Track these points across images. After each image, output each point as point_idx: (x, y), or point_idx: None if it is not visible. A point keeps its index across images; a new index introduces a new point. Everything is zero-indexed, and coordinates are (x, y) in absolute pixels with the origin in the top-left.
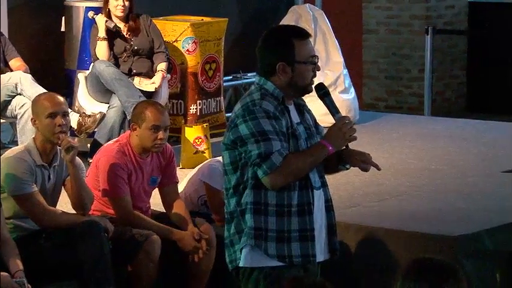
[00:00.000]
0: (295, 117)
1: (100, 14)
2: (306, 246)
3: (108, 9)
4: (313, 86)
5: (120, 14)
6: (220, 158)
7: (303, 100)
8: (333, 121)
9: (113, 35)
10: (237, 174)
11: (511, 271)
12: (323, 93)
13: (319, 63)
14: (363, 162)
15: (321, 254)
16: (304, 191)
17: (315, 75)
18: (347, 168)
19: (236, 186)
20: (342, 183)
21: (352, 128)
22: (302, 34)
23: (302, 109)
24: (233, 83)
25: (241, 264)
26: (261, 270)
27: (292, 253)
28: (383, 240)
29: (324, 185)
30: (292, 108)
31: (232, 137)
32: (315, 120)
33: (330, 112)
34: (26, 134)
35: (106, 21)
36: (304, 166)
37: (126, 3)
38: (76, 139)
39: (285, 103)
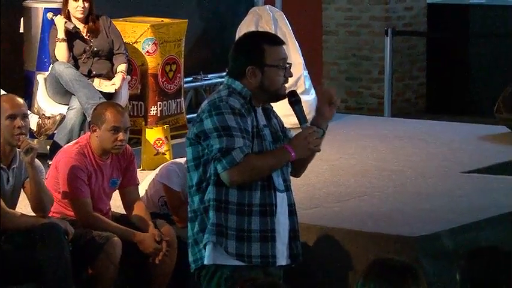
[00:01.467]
0: (261, 120)
1: (59, 15)
2: (266, 247)
3: (68, 10)
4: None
5: (80, 16)
6: (179, 160)
7: (270, 105)
8: (293, 123)
9: (72, 36)
10: (199, 171)
11: (470, 271)
12: (294, 100)
13: None
14: (330, 105)
15: (283, 257)
16: (266, 191)
17: (286, 81)
18: (324, 132)
19: (199, 183)
20: (302, 184)
21: (317, 139)
22: (274, 40)
23: (269, 113)
24: (194, 84)
25: (205, 262)
26: (222, 273)
27: (251, 253)
28: (343, 241)
29: (287, 188)
30: (259, 110)
31: (196, 131)
32: (283, 125)
33: (298, 120)
34: None
35: (65, 22)
36: (264, 167)
37: (86, 5)
38: (35, 141)
39: (252, 103)
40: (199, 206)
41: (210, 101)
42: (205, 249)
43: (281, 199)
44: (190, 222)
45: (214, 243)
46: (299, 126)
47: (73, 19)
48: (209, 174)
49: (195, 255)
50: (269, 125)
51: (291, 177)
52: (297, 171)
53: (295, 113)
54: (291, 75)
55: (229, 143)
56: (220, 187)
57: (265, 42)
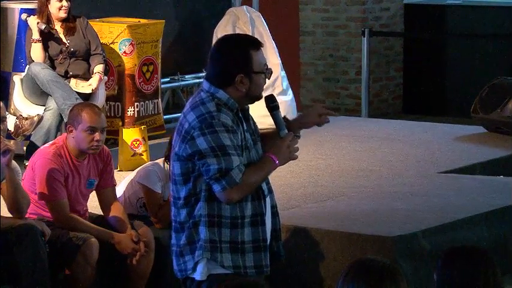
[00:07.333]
0: (245, 126)
1: (32, 15)
2: (259, 257)
3: (49, 11)
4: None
5: (64, 15)
6: (157, 161)
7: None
8: (270, 123)
9: (48, 36)
10: (188, 186)
11: (447, 271)
12: (273, 106)
13: None
14: (317, 118)
15: None
16: (257, 201)
17: (265, 83)
18: (298, 137)
19: (187, 197)
20: (279, 184)
21: (297, 147)
22: (257, 44)
23: (247, 115)
24: (171, 85)
25: (198, 279)
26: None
27: (246, 264)
28: (321, 242)
29: (270, 191)
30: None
31: (190, 150)
32: (255, 125)
33: (276, 126)
34: None
35: (37, 22)
36: (258, 181)
37: (69, 4)
38: (12, 142)
39: (239, 114)
40: (187, 219)
41: (199, 115)
42: (195, 264)
43: (266, 204)
44: (175, 232)
45: (209, 259)
46: (277, 131)
47: (54, 19)
48: (199, 189)
49: (180, 266)
50: (248, 128)
51: None
52: None
53: (273, 119)
54: (269, 78)
55: (227, 163)
56: (212, 202)
57: (250, 48)
